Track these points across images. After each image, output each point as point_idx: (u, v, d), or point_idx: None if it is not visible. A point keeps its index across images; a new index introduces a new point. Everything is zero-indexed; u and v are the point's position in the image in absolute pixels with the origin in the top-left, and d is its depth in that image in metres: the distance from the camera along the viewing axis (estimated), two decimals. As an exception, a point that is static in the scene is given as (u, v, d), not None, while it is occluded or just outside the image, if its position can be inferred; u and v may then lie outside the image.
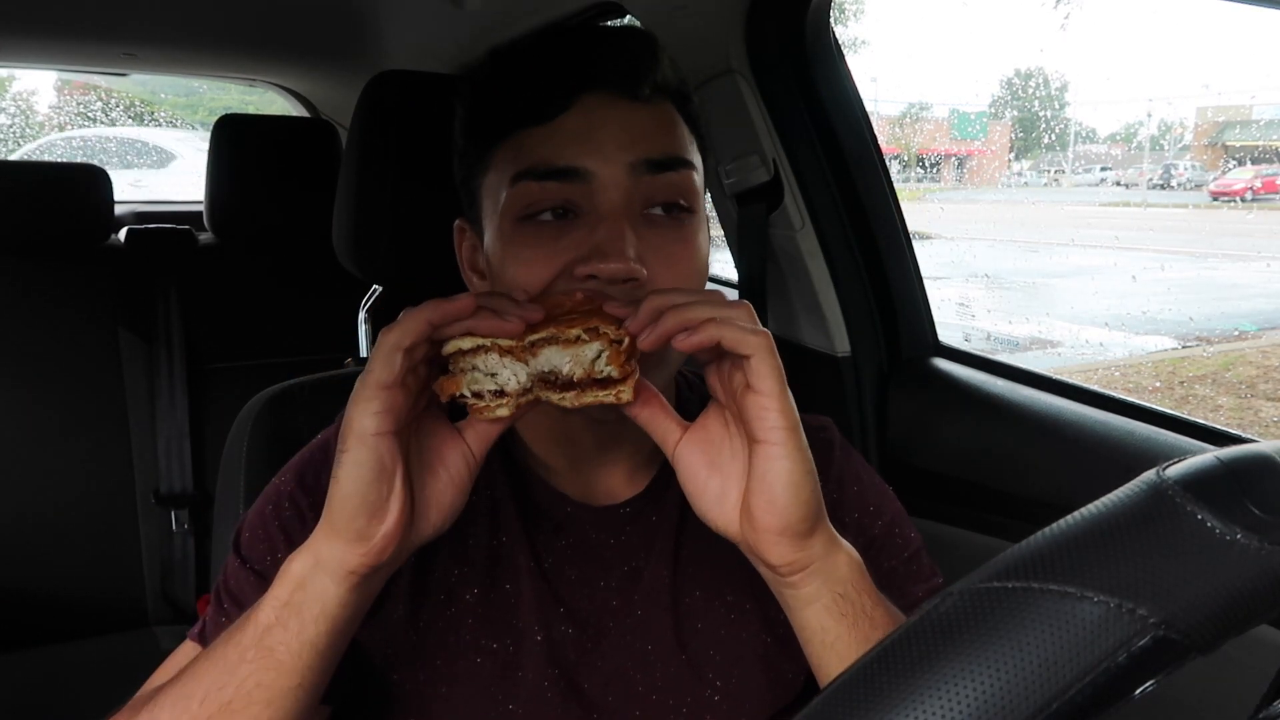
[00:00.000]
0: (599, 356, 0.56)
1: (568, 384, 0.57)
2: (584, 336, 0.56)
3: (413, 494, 0.56)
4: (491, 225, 0.67)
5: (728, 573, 0.71)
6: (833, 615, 0.59)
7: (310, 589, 0.55)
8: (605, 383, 0.56)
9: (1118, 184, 6.13)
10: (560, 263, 0.63)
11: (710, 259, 0.72)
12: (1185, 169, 5.55)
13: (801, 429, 0.57)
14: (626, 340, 0.56)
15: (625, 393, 0.56)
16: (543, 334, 0.56)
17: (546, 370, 0.57)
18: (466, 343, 0.56)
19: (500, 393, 0.57)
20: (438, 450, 0.58)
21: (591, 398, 0.56)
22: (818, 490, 0.58)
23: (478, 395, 0.57)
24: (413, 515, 0.56)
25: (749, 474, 0.57)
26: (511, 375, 0.57)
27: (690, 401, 0.77)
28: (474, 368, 0.56)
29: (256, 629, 0.56)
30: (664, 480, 0.73)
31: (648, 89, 0.65)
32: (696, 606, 0.71)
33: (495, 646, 0.67)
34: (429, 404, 0.58)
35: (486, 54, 0.69)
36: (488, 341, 0.56)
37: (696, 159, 0.68)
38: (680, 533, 0.71)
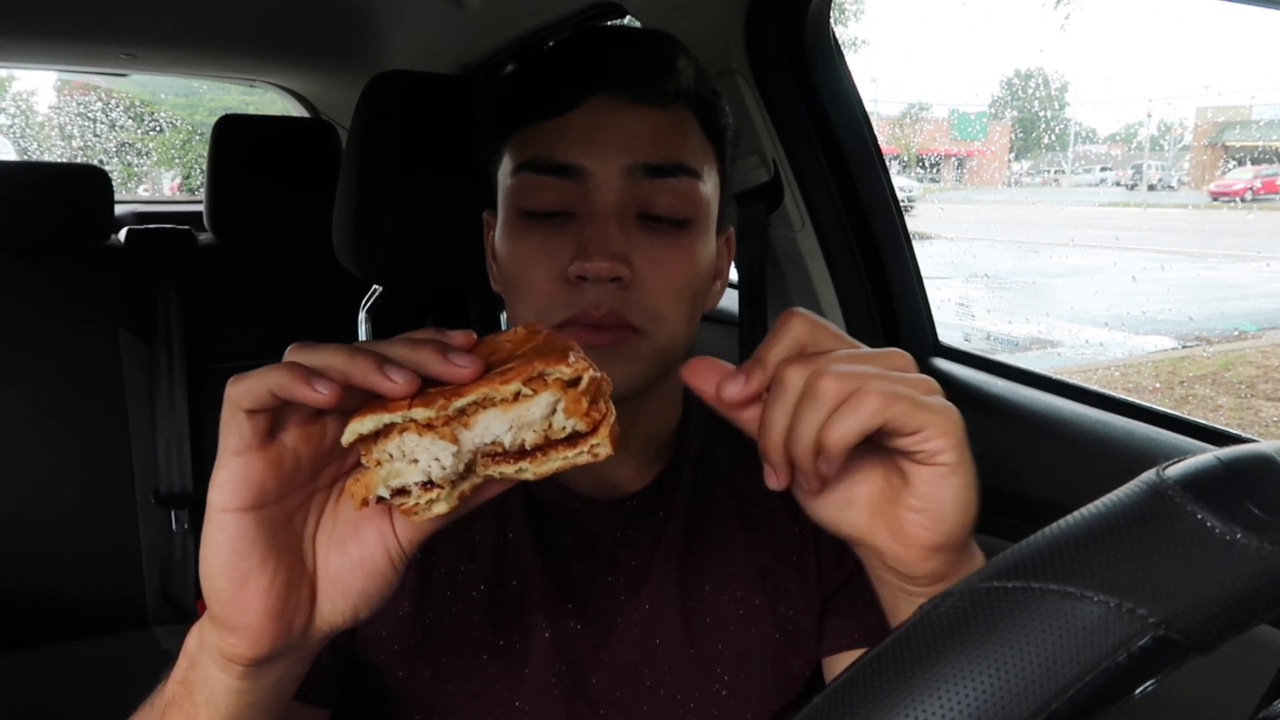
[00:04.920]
0: (554, 411, 0.43)
1: (521, 452, 0.44)
2: (526, 390, 0.43)
3: (315, 573, 0.48)
4: (500, 215, 0.69)
5: (736, 567, 0.71)
6: None
7: (198, 670, 0.48)
8: (572, 439, 0.44)
9: (1118, 184, 6.16)
10: (557, 266, 0.64)
11: (715, 270, 0.72)
12: (1157, 168, 5.78)
13: (964, 430, 0.48)
14: (586, 376, 0.43)
15: (601, 447, 0.44)
16: (471, 396, 0.43)
17: (487, 442, 0.44)
18: (367, 424, 0.42)
19: (430, 483, 0.43)
20: (353, 524, 0.48)
21: (560, 461, 0.44)
22: (976, 496, 0.51)
23: (402, 492, 0.43)
24: (313, 599, 0.47)
25: (903, 488, 0.49)
26: (433, 460, 0.43)
27: (698, 402, 0.75)
28: (390, 456, 0.43)
29: (161, 702, 0.51)
30: (672, 474, 0.73)
31: (658, 94, 0.65)
32: (705, 601, 0.71)
33: (502, 643, 0.67)
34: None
35: (515, 48, 0.71)
36: (399, 417, 0.42)
37: (705, 168, 0.68)
38: (688, 527, 0.71)
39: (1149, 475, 0.30)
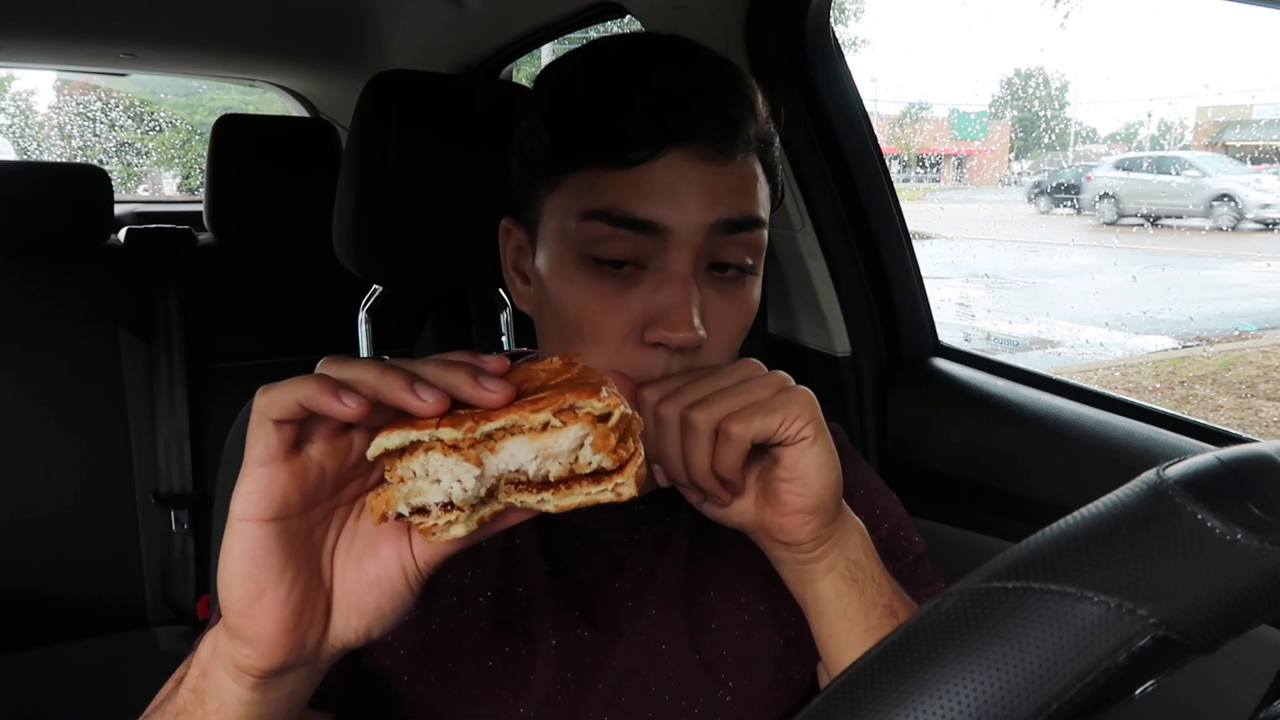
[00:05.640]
0: (581, 445, 0.43)
1: (545, 483, 0.44)
2: (555, 422, 0.42)
3: (331, 588, 0.48)
4: (550, 249, 0.65)
5: (741, 573, 0.71)
6: (847, 582, 0.61)
7: (210, 679, 0.48)
8: (597, 475, 0.43)
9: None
10: (627, 320, 0.62)
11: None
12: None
13: (818, 406, 0.58)
14: (617, 413, 0.43)
15: (626, 486, 0.43)
16: (500, 422, 0.42)
17: (512, 469, 0.43)
18: (393, 439, 0.42)
19: (450, 504, 0.43)
20: (371, 541, 0.48)
21: (582, 496, 0.44)
22: (838, 463, 0.59)
23: (421, 510, 0.43)
24: (328, 614, 0.47)
25: (774, 465, 0.58)
26: (455, 481, 0.42)
27: None
28: (413, 473, 0.43)
29: (173, 709, 0.51)
30: None
31: (739, 148, 0.62)
32: (710, 607, 0.71)
33: (508, 650, 0.67)
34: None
35: (583, 66, 0.65)
36: (425, 436, 0.42)
37: (768, 212, 0.66)
38: (694, 532, 0.71)
39: (1149, 475, 0.30)
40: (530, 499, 0.44)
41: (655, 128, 0.60)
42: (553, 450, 0.43)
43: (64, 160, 6.82)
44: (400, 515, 0.43)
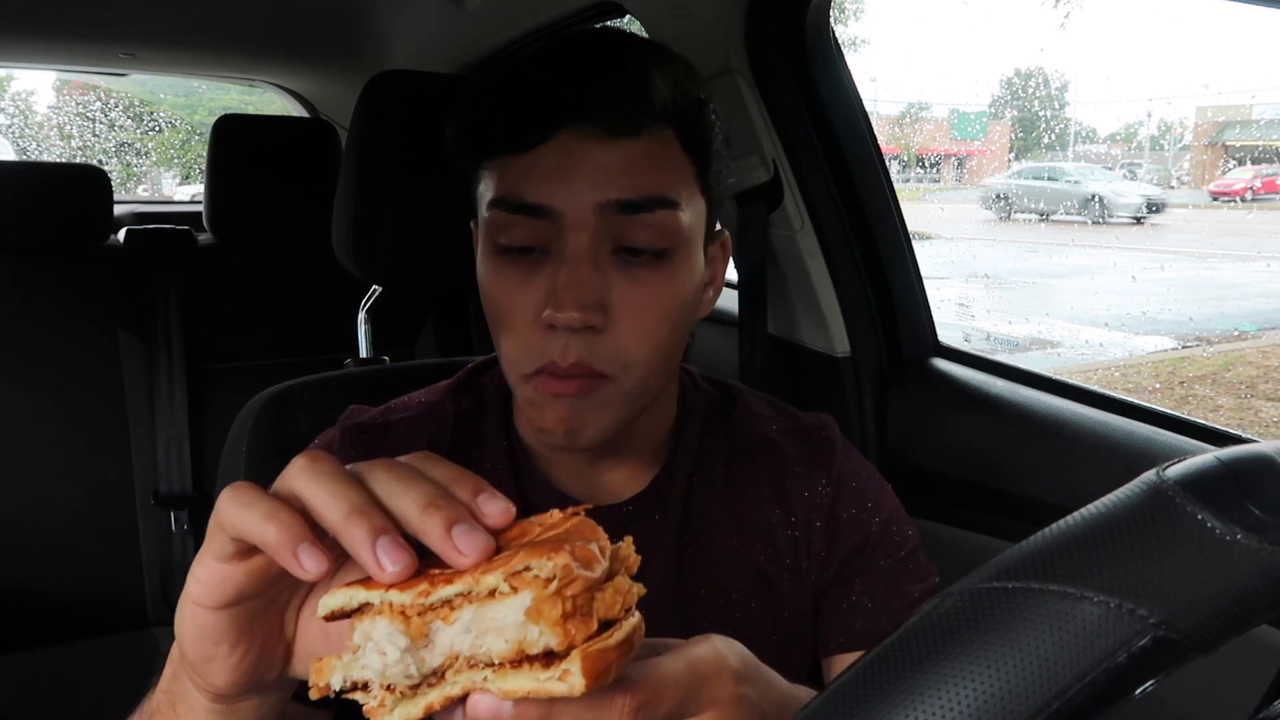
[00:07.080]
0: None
1: (491, 661, 0.35)
2: (504, 588, 0.34)
3: (294, 637, 0.44)
4: (479, 239, 0.68)
5: (732, 570, 0.71)
6: None
7: (180, 683, 0.46)
8: (548, 657, 0.34)
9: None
10: (533, 305, 0.62)
11: (703, 283, 0.70)
12: (1135, 168, 5.92)
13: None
14: (559, 573, 0.33)
15: (575, 676, 0.33)
16: (457, 586, 0.34)
17: (466, 647, 0.35)
18: (337, 599, 0.36)
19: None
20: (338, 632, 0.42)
21: (531, 682, 0.33)
22: None
23: (362, 686, 0.35)
24: (288, 657, 0.45)
25: None
26: (379, 657, 0.34)
27: (695, 404, 0.77)
28: (359, 641, 0.35)
29: (149, 707, 0.49)
30: (666, 477, 0.73)
31: (633, 125, 0.62)
32: (702, 605, 0.70)
33: None
34: None
35: (484, 66, 0.66)
36: (375, 598, 0.35)
37: (685, 191, 0.65)
38: (684, 530, 0.71)
39: (1149, 475, 0.30)
40: (476, 676, 0.35)
41: (547, 109, 0.61)
42: (494, 623, 0.34)
43: (64, 160, 6.82)
44: (339, 691, 0.36)
